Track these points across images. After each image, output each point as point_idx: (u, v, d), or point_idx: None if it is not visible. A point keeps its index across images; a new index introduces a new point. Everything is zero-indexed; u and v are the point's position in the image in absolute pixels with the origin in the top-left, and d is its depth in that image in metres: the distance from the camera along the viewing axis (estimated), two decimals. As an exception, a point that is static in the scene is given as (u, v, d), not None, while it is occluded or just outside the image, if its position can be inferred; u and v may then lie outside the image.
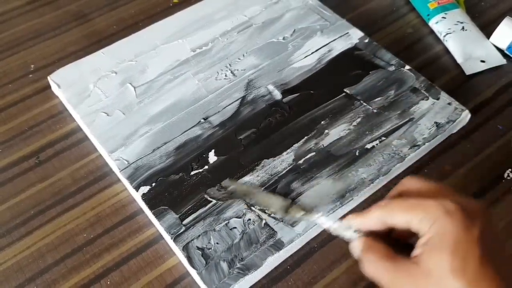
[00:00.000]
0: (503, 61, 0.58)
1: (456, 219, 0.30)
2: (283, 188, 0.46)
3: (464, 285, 0.29)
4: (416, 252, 0.32)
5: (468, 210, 0.31)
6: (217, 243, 0.42)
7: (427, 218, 0.31)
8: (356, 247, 0.35)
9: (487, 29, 0.60)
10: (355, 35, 0.58)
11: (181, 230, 0.43)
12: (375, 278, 0.33)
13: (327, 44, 0.57)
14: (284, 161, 0.48)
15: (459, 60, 0.58)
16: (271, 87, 0.53)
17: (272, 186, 0.46)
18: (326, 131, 0.50)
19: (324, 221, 0.39)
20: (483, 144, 0.51)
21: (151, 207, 0.44)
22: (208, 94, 0.53)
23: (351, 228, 0.35)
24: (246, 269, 0.41)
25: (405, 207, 0.33)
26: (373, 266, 0.33)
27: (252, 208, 0.44)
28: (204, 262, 0.41)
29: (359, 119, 0.50)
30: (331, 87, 0.53)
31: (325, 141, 0.49)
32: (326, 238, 0.44)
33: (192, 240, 0.42)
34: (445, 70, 0.58)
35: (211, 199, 0.45)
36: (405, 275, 0.31)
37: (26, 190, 0.48)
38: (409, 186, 0.35)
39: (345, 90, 0.53)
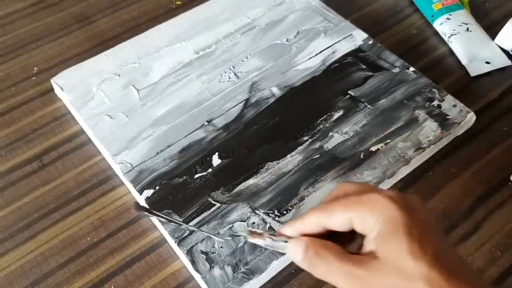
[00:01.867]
0: (508, 62, 0.57)
1: (401, 204, 0.30)
2: (287, 191, 0.45)
3: (426, 266, 0.28)
4: (368, 247, 0.30)
5: (406, 198, 0.31)
6: (221, 247, 0.42)
7: (371, 212, 0.30)
8: (297, 249, 0.31)
9: (492, 30, 0.60)
10: (359, 37, 0.58)
11: (185, 234, 0.43)
12: (330, 280, 0.30)
13: (331, 46, 0.57)
14: (288, 163, 0.47)
15: (463, 61, 0.57)
16: (275, 89, 0.53)
17: (276, 189, 0.45)
18: (331, 133, 0.49)
19: (252, 239, 0.34)
20: (489, 146, 0.51)
21: (155, 211, 0.44)
22: (212, 97, 0.53)
23: (282, 238, 0.32)
24: (251, 273, 0.41)
25: (345, 205, 0.31)
26: (325, 267, 0.30)
27: (257, 211, 0.44)
28: (208, 266, 0.41)
29: (363, 122, 0.50)
30: (335, 89, 0.53)
31: (330, 144, 0.49)
32: (331, 242, 0.44)
33: (196, 244, 0.42)
34: (450, 71, 0.57)
35: (215, 203, 0.45)
36: (364, 272, 0.29)
37: (29, 194, 0.48)
38: (344, 190, 0.33)
39: (349, 92, 0.53)
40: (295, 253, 0.32)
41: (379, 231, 0.29)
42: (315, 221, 0.32)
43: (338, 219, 0.31)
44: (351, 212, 0.30)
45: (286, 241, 0.32)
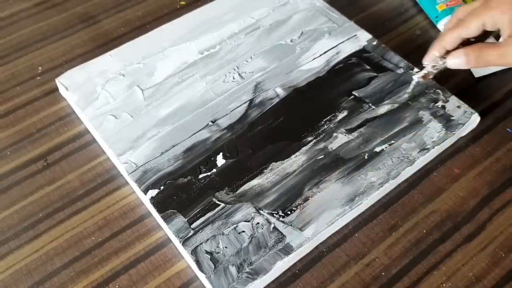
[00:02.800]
0: (512, 63, 0.57)
1: None
2: (291, 191, 0.45)
3: None
4: (507, 35, 0.42)
5: None
6: (226, 247, 0.42)
7: (502, 12, 0.41)
8: (459, 55, 0.43)
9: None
10: (363, 37, 0.58)
11: (190, 234, 0.43)
12: (486, 62, 0.43)
13: (335, 47, 0.57)
14: (292, 164, 0.47)
15: (468, 62, 0.57)
16: (279, 90, 0.53)
17: (280, 190, 0.46)
18: (335, 134, 0.49)
19: (417, 75, 0.48)
20: (493, 147, 0.51)
21: (159, 211, 0.44)
22: (216, 97, 0.53)
23: (438, 59, 0.45)
24: (255, 274, 0.41)
25: (477, 14, 0.42)
26: (483, 54, 0.42)
27: (261, 211, 0.44)
28: (213, 266, 0.41)
29: (368, 122, 0.50)
30: (339, 89, 0.53)
31: (334, 144, 0.49)
32: (335, 243, 0.44)
33: (200, 244, 0.42)
34: (454, 73, 0.57)
35: (219, 203, 0.45)
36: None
37: (34, 193, 0.48)
38: (465, 8, 0.45)
39: (353, 93, 0.53)
40: (458, 60, 0.44)
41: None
42: (454, 36, 0.44)
43: (473, 28, 0.43)
44: (485, 17, 0.42)
45: (444, 59, 0.45)
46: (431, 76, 0.48)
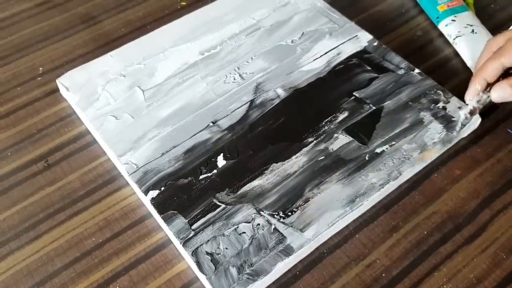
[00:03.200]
0: (513, 64, 0.57)
1: None
2: (292, 192, 0.45)
3: None
4: None
5: None
6: (226, 248, 0.42)
7: None
8: (505, 87, 0.42)
9: (497, 32, 0.59)
10: (364, 38, 0.58)
11: (190, 235, 0.43)
12: None
13: (336, 47, 0.57)
14: (293, 165, 0.47)
15: (469, 63, 0.57)
16: (279, 90, 0.53)
17: (281, 190, 0.46)
18: (336, 135, 0.49)
19: (464, 111, 0.47)
20: (494, 148, 0.51)
21: (160, 212, 0.44)
22: (217, 98, 0.53)
23: (481, 93, 0.44)
24: (256, 275, 0.41)
25: None
26: None
27: (261, 212, 0.44)
28: (213, 267, 0.41)
29: (368, 123, 0.50)
30: (340, 90, 0.53)
31: (335, 145, 0.49)
32: (335, 244, 0.44)
33: (201, 245, 0.42)
34: (455, 73, 0.57)
35: (220, 204, 0.45)
36: None
37: (35, 194, 0.48)
38: (499, 39, 0.44)
39: (354, 93, 0.53)
40: (504, 93, 0.42)
41: None
42: (496, 66, 0.42)
43: None
44: None
45: (488, 92, 0.44)
46: (477, 112, 0.48)
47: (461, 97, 0.52)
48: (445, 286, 0.42)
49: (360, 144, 0.48)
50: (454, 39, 0.59)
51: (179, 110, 0.52)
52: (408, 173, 0.47)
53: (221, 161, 0.48)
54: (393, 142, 0.49)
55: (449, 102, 0.51)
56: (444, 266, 0.43)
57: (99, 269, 0.43)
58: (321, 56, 0.56)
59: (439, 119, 0.50)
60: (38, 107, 0.55)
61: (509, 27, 0.57)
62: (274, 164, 0.48)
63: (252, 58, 0.56)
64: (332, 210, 0.44)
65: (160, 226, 0.46)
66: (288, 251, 0.42)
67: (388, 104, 0.52)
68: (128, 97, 0.53)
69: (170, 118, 0.51)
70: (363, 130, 0.50)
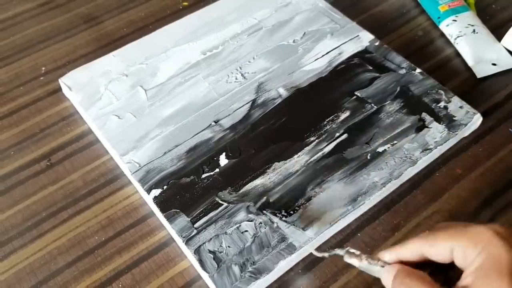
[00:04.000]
0: (514, 64, 0.57)
1: (509, 242, 0.28)
2: (294, 191, 0.46)
3: None
4: (464, 281, 0.29)
5: None
6: (229, 246, 0.42)
7: (475, 244, 0.29)
8: (388, 275, 0.32)
9: (498, 31, 0.60)
10: (366, 38, 0.58)
11: (193, 233, 0.43)
12: None
13: (337, 47, 0.57)
14: (295, 164, 0.47)
15: (470, 63, 0.58)
16: (281, 90, 0.53)
17: (283, 189, 0.46)
18: (337, 134, 0.50)
19: (349, 259, 0.35)
20: (495, 147, 0.51)
21: (162, 210, 0.44)
22: (219, 97, 0.53)
23: (379, 262, 0.34)
24: (258, 273, 0.41)
25: (449, 234, 0.31)
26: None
27: (264, 211, 0.44)
28: (216, 266, 0.41)
29: (370, 122, 0.50)
30: (341, 90, 0.53)
31: (336, 145, 0.49)
32: (337, 242, 0.44)
33: (203, 243, 0.42)
34: (456, 73, 0.57)
35: (222, 202, 0.45)
36: None
37: (38, 193, 0.48)
38: (447, 224, 0.33)
39: (355, 93, 0.53)
40: (387, 279, 0.33)
41: (479, 266, 0.28)
42: (415, 249, 0.32)
43: (439, 249, 0.31)
44: (454, 242, 0.30)
45: (382, 266, 0.34)
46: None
47: (462, 96, 0.52)
48: (446, 285, 0.42)
49: (362, 143, 0.49)
50: (455, 39, 0.59)
51: (181, 109, 0.52)
52: (410, 172, 0.47)
53: (223, 160, 0.48)
54: (395, 142, 0.49)
55: (450, 101, 0.52)
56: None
57: (101, 267, 0.44)
58: (322, 56, 0.56)
59: (440, 119, 0.50)
60: (40, 106, 0.55)
61: (510, 27, 0.58)
62: (276, 163, 0.48)
63: (254, 58, 0.57)
64: (334, 209, 0.44)
65: (162, 225, 0.46)
66: (290, 249, 0.42)
67: (390, 103, 0.52)
68: (130, 96, 0.53)
69: (172, 117, 0.51)
70: (364, 130, 0.50)
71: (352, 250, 0.36)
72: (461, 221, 0.45)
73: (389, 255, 0.34)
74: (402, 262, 0.33)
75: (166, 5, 0.66)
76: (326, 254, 0.38)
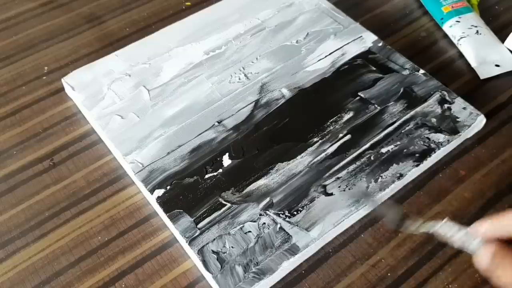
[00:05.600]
0: (517, 65, 0.57)
1: None
2: (297, 191, 0.45)
3: None
4: None
5: None
6: (232, 247, 0.42)
7: None
8: (486, 253, 0.32)
9: (502, 33, 0.60)
10: (369, 39, 0.58)
11: (196, 234, 0.43)
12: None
13: (340, 48, 0.57)
14: (298, 164, 0.47)
15: (473, 64, 0.57)
16: (284, 90, 0.53)
17: (286, 190, 0.46)
18: (340, 135, 0.49)
19: (447, 230, 0.35)
20: (498, 149, 0.51)
21: (166, 210, 0.44)
22: (222, 97, 0.53)
23: (476, 237, 0.33)
24: (262, 274, 0.41)
25: None
26: (502, 272, 0.31)
27: (267, 212, 0.44)
28: (219, 266, 0.41)
29: (373, 123, 0.50)
30: (345, 91, 0.53)
31: (340, 145, 0.49)
32: (341, 243, 0.44)
33: (207, 244, 0.42)
34: (459, 74, 0.57)
35: (225, 203, 0.45)
36: None
37: (41, 192, 0.48)
38: None
39: (359, 94, 0.53)
40: (484, 256, 0.32)
41: None
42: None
43: None
44: None
45: (479, 243, 0.33)
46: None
47: (465, 98, 0.52)
48: (450, 286, 0.42)
49: (365, 144, 0.49)
50: (459, 40, 0.59)
51: (184, 109, 0.52)
52: (413, 173, 0.47)
53: (226, 161, 0.48)
54: (398, 142, 0.49)
55: (453, 102, 0.52)
56: (449, 266, 0.43)
57: (105, 267, 0.43)
58: (325, 56, 0.56)
59: (444, 120, 0.50)
60: (43, 106, 0.55)
61: (513, 28, 0.58)
62: (279, 163, 0.48)
63: (257, 58, 0.56)
64: (337, 210, 0.44)
65: (165, 225, 0.46)
66: (293, 250, 0.42)
67: (393, 104, 0.52)
68: (133, 96, 0.53)
69: (175, 117, 0.51)
70: (368, 131, 0.50)
71: (450, 223, 0.35)
72: (464, 222, 0.45)
73: (485, 229, 0.33)
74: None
75: (168, 5, 0.66)
76: (421, 228, 0.37)
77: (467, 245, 0.34)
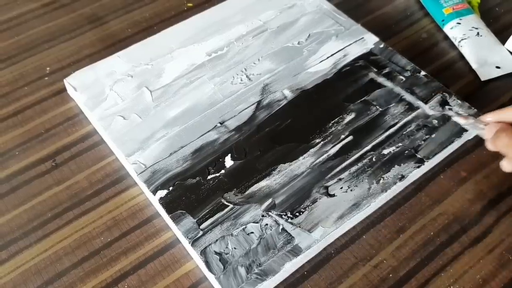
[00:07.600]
0: (518, 67, 0.58)
1: None
2: (300, 192, 0.46)
3: None
4: None
5: None
6: (235, 248, 0.42)
7: None
8: (489, 132, 0.42)
9: (502, 35, 0.60)
10: (370, 40, 0.58)
11: (199, 235, 0.43)
12: (506, 150, 0.41)
13: (342, 49, 0.57)
14: (300, 165, 0.48)
15: (474, 65, 0.58)
16: (286, 92, 0.54)
17: (289, 191, 0.46)
18: (342, 136, 0.50)
19: (458, 119, 0.47)
20: (499, 150, 0.51)
21: (168, 211, 0.44)
22: (224, 99, 0.53)
23: (482, 123, 0.43)
24: (264, 275, 0.41)
25: None
26: (507, 140, 0.40)
27: (269, 213, 0.44)
28: (222, 267, 0.41)
29: (375, 125, 0.50)
30: (346, 92, 0.53)
31: (342, 146, 0.49)
32: (343, 244, 0.45)
33: (209, 245, 0.43)
34: (460, 76, 0.58)
35: (228, 204, 0.45)
36: None
37: (43, 193, 0.48)
38: None
39: (361, 95, 0.53)
40: (488, 135, 0.42)
41: None
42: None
43: None
44: None
45: (484, 126, 0.43)
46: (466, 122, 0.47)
47: (466, 99, 0.52)
48: (451, 287, 0.42)
49: (367, 145, 0.49)
50: (459, 41, 0.59)
51: (186, 110, 0.52)
52: (415, 174, 0.47)
53: (229, 162, 0.48)
54: (400, 144, 0.49)
55: (454, 104, 0.52)
56: (450, 267, 0.43)
57: (107, 268, 0.44)
58: (327, 57, 0.57)
59: (445, 121, 0.50)
60: (45, 106, 0.55)
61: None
62: (281, 164, 0.48)
63: (259, 60, 0.57)
64: (340, 211, 0.44)
65: (168, 226, 0.46)
66: (296, 251, 0.42)
67: (395, 106, 0.52)
68: (135, 97, 0.53)
69: (178, 118, 0.51)
70: (369, 132, 0.50)
71: (461, 112, 0.49)
72: (465, 223, 0.46)
73: (491, 116, 0.43)
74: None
75: (170, 6, 0.66)
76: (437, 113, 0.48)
77: (475, 128, 0.45)
